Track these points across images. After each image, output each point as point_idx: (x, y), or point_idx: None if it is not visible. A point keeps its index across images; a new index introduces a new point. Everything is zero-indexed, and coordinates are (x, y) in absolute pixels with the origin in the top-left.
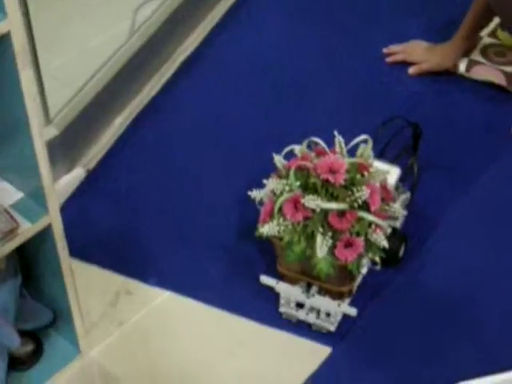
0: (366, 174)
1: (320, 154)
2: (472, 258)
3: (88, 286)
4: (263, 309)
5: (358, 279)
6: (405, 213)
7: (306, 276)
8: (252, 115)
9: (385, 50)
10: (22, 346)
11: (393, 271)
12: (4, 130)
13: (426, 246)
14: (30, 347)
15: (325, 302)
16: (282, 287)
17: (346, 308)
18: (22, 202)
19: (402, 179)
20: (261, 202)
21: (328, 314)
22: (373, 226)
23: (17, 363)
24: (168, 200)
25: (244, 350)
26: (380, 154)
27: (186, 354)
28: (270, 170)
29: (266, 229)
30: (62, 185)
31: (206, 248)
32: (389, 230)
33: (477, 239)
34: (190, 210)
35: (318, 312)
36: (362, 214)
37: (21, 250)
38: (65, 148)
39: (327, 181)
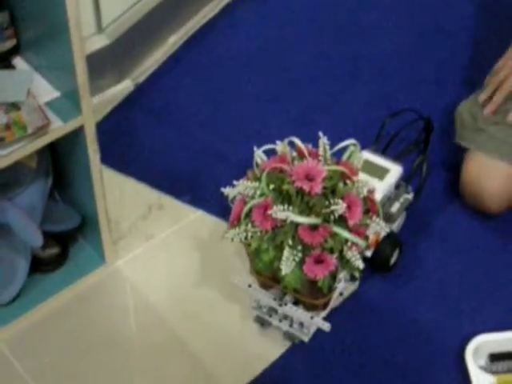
0: (349, 182)
1: (302, 155)
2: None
3: (121, 198)
4: None
5: (336, 293)
6: (403, 215)
7: (278, 283)
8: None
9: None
10: (47, 249)
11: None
12: (46, 28)
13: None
14: (55, 250)
15: (297, 313)
16: (253, 292)
17: (319, 322)
18: (58, 101)
19: (406, 178)
20: (233, 201)
21: (302, 324)
22: (349, 243)
23: (41, 265)
24: (211, 122)
25: None
26: (384, 150)
27: (209, 275)
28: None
29: (232, 234)
30: (109, 95)
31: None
32: (383, 233)
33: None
34: (233, 134)
35: (292, 320)
36: (337, 229)
37: (54, 153)
38: (115, 59)
39: (302, 189)
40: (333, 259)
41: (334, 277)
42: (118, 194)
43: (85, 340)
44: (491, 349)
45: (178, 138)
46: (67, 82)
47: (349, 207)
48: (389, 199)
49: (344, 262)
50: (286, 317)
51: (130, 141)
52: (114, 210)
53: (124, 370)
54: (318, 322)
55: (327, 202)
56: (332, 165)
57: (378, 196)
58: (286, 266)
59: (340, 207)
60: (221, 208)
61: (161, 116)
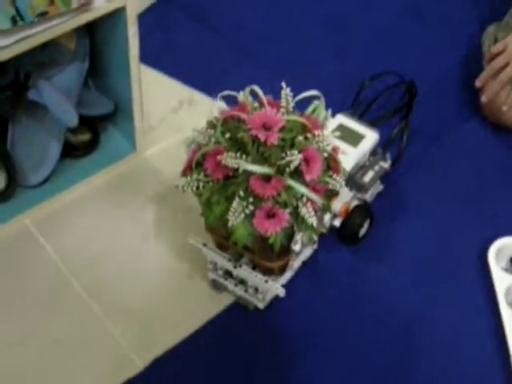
0: (310, 136)
1: (270, 104)
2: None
3: (153, 92)
4: None
5: (294, 256)
6: (378, 185)
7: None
8: None
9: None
10: (78, 135)
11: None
12: None
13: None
14: (86, 136)
15: (252, 276)
16: (208, 251)
17: (273, 286)
18: None
19: (385, 145)
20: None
21: (257, 290)
22: (304, 199)
23: (72, 150)
24: (250, 25)
25: None
26: (361, 114)
27: None
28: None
29: (183, 182)
30: None
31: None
32: (354, 203)
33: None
34: (269, 38)
35: (247, 285)
36: (292, 182)
37: (92, 38)
38: None
39: (257, 138)
40: (285, 214)
41: (289, 237)
42: (150, 89)
43: (112, 222)
44: None
45: (213, 38)
46: None
47: (306, 161)
48: (362, 167)
49: (299, 220)
50: (242, 282)
51: (165, 37)
52: (146, 103)
53: (144, 249)
54: (272, 286)
55: (284, 154)
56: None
57: (350, 163)
58: (234, 218)
59: (295, 158)
60: None
61: (198, 14)
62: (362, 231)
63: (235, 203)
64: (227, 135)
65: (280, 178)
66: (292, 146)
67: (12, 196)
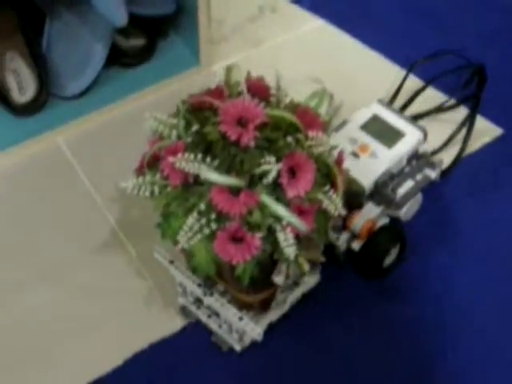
0: (301, 138)
1: (254, 90)
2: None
3: None
4: None
5: (286, 289)
6: (419, 199)
7: None
8: None
9: None
10: (131, 39)
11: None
12: None
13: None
14: (140, 42)
15: (224, 309)
16: (176, 272)
17: (249, 326)
18: None
19: (436, 148)
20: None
21: (231, 327)
22: (284, 222)
23: (123, 57)
24: None
25: None
26: (405, 105)
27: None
28: None
29: (132, 184)
30: None
31: None
32: (383, 222)
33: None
34: None
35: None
36: (267, 199)
37: None
38: None
39: (227, 136)
40: (256, 239)
41: (266, 266)
42: None
43: None
44: None
45: None
46: None
47: (292, 172)
48: (399, 175)
49: (278, 248)
50: (217, 313)
51: None
52: (217, 6)
53: None
54: (246, 325)
55: (262, 160)
56: (283, 109)
57: (378, 168)
58: (186, 239)
59: (271, 168)
60: (346, 19)
61: None
62: (388, 260)
63: (190, 220)
64: (194, 128)
65: (252, 193)
66: (275, 149)
67: (43, 107)
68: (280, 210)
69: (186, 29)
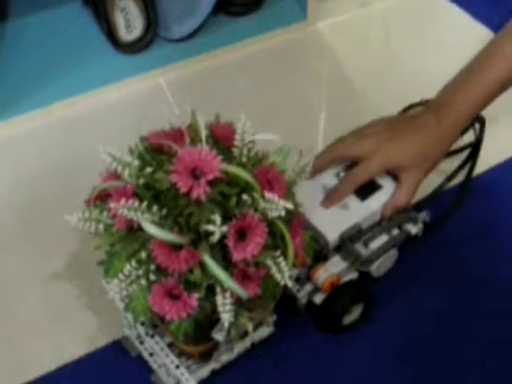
0: (257, 197)
1: (218, 137)
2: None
3: None
4: None
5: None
6: (393, 255)
7: None
8: None
9: None
10: None
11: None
12: None
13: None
14: None
15: (162, 354)
16: (121, 303)
17: (184, 376)
18: None
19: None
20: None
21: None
22: (224, 285)
23: (230, 5)
24: None
25: None
26: None
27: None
28: None
29: (76, 218)
30: None
31: None
32: (349, 277)
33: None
34: None
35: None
36: (209, 260)
37: None
38: None
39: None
40: (192, 299)
41: (203, 322)
42: None
43: (257, 98)
44: None
45: None
46: None
47: (241, 233)
48: (373, 228)
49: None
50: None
51: None
52: None
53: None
54: (182, 375)
55: (212, 216)
56: (244, 163)
57: (345, 222)
58: (120, 284)
59: (217, 230)
60: None
61: None
62: (349, 318)
63: (128, 268)
64: (148, 170)
65: (194, 251)
66: (227, 207)
67: (148, 47)
68: (220, 273)
69: None
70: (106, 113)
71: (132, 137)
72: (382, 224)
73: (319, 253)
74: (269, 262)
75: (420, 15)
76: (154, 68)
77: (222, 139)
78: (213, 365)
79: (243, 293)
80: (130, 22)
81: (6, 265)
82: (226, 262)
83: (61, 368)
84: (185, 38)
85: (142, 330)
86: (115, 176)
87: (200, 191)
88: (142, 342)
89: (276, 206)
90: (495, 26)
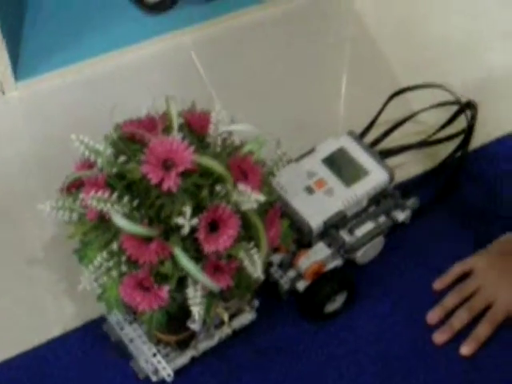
0: (230, 189)
1: (193, 126)
2: None
3: None
4: None
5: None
6: (379, 242)
7: None
8: None
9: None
10: None
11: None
12: None
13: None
14: None
15: (139, 341)
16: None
17: (161, 364)
18: None
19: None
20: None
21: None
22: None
23: None
24: None
25: None
26: (378, 140)
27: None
28: None
29: (49, 206)
30: None
31: None
32: (334, 264)
33: None
34: None
35: None
36: (179, 253)
37: None
38: None
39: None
40: (163, 291)
41: (177, 312)
42: None
43: (279, 60)
44: None
45: None
46: None
47: (214, 225)
48: (358, 215)
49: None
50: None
51: None
52: None
53: None
54: (159, 363)
55: (184, 208)
56: (218, 153)
57: (330, 208)
58: (95, 272)
59: (183, 222)
60: None
61: None
62: (332, 307)
63: (98, 259)
64: (121, 159)
65: (163, 243)
66: (199, 198)
67: (173, 6)
68: (191, 266)
69: None
70: (133, 71)
71: (158, 94)
72: (368, 210)
73: (302, 239)
74: (242, 255)
75: None
76: (179, 28)
77: (196, 128)
78: (192, 352)
79: (214, 285)
80: None
81: None
82: (199, 254)
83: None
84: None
85: (121, 316)
86: (89, 164)
87: (171, 183)
88: (122, 328)
89: (248, 198)
90: None
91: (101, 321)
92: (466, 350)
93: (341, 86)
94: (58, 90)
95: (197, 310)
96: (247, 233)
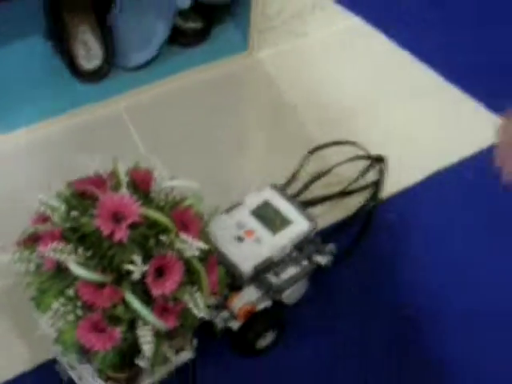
0: (173, 239)
1: (137, 182)
2: None
3: None
4: None
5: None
6: (304, 284)
7: None
8: None
9: None
10: (190, 21)
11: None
12: None
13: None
14: (198, 24)
15: (91, 379)
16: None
17: None
18: None
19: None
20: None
21: None
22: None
23: (181, 36)
24: None
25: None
26: (299, 192)
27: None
28: None
29: (6, 259)
30: None
31: None
32: (264, 305)
33: None
34: None
35: None
36: (130, 297)
37: None
38: None
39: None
40: (116, 332)
41: (128, 350)
42: None
43: (207, 121)
44: None
45: None
46: None
47: (161, 271)
48: (283, 261)
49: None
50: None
51: None
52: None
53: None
54: None
55: (133, 256)
56: (161, 206)
57: (259, 255)
58: (53, 317)
59: (136, 269)
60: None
61: None
62: (264, 343)
63: (56, 304)
64: (73, 214)
65: (116, 289)
66: (147, 248)
67: (107, 75)
68: (141, 309)
69: (239, 17)
70: (70, 136)
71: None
72: (292, 256)
73: (234, 283)
74: (186, 297)
75: (353, 46)
76: (112, 95)
77: (141, 185)
78: None
79: (162, 325)
80: (90, 53)
81: None
82: (147, 298)
83: None
84: (141, 67)
85: (72, 357)
86: (44, 218)
87: (121, 234)
88: (72, 367)
89: (190, 246)
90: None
91: (51, 363)
92: None
93: (264, 146)
94: None
95: (147, 349)
96: (190, 278)
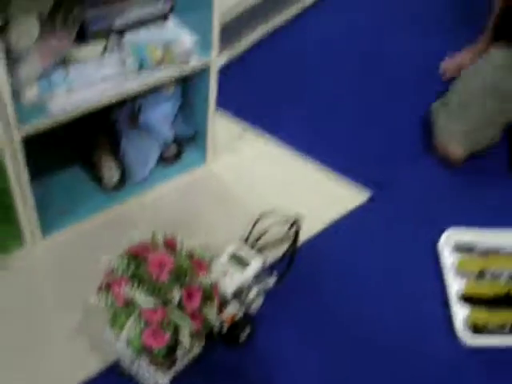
0: (198, 275)
1: (167, 246)
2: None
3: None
4: None
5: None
6: (261, 297)
7: None
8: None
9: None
10: (170, 150)
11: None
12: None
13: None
14: (175, 150)
15: (143, 363)
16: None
17: (159, 376)
18: (196, 48)
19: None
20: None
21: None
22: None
23: (163, 160)
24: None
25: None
26: (254, 243)
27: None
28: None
29: (96, 300)
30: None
31: None
32: (241, 314)
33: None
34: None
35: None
36: (171, 312)
37: (184, 85)
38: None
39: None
40: (166, 336)
41: (172, 347)
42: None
43: (186, 219)
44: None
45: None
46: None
47: (189, 296)
48: (249, 286)
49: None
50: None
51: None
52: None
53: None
54: (157, 374)
55: (174, 288)
56: (183, 259)
57: (233, 285)
58: (127, 332)
59: (175, 296)
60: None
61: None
62: (243, 337)
63: (129, 322)
64: (131, 267)
65: (164, 309)
66: (181, 282)
67: (124, 186)
68: (179, 320)
69: (199, 144)
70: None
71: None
72: (254, 282)
73: (223, 301)
74: (205, 311)
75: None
76: (126, 198)
77: (170, 245)
78: (170, 373)
79: (193, 327)
80: (111, 173)
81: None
82: (184, 312)
83: None
84: (143, 179)
85: (135, 355)
86: (110, 272)
87: (163, 277)
88: (131, 362)
89: (205, 280)
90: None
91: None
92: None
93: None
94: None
95: (186, 342)
96: (206, 299)
